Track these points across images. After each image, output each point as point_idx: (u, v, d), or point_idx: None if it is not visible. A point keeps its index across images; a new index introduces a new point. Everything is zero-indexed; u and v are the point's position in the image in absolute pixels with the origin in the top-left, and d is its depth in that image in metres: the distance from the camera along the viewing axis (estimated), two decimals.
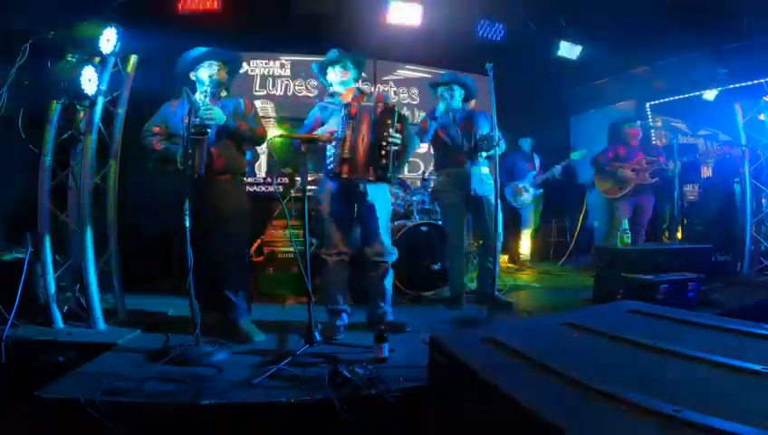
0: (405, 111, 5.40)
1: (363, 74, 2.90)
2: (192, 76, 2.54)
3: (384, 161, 2.45)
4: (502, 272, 4.37)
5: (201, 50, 2.51)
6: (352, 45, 4.66)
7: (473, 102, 3.62)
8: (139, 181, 3.20)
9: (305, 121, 2.71)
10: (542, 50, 5.04)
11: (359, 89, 2.74)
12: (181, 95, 2.20)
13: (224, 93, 2.61)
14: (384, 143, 2.45)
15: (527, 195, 5.09)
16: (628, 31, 4.52)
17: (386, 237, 2.64)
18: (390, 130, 2.45)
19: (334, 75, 2.70)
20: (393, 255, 2.68)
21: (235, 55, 2.65)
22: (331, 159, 2.54)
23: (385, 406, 1.68)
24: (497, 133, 2.84)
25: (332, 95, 2.73)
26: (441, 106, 3.16)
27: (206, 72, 2.47)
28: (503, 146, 3.10)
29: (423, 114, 4.06)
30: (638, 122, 4.52)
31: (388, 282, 2.67)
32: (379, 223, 2.61)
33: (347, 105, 2.55)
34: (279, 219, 3.78)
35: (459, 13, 4.72)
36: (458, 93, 3.26)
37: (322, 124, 2.62)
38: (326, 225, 2.60)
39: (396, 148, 2.48)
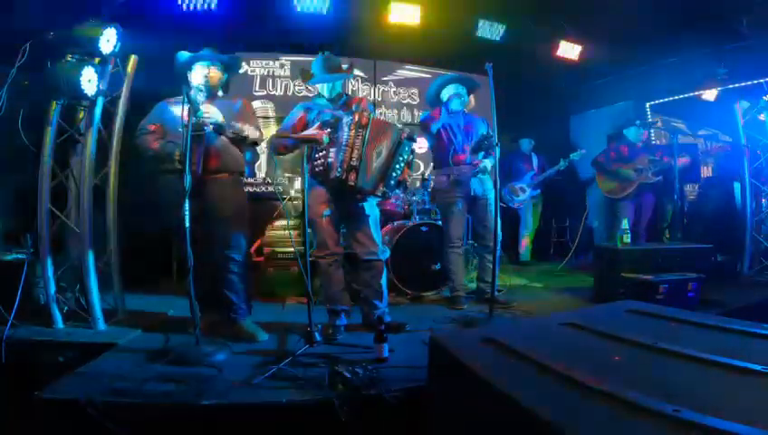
0: (404, 111, 5.42)
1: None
2: (189, 77, 2.53)
3: (392, 183, 2.51)
4: (502, 272, 4.36)
5: (187, 55, 2.50)
6: (352, 45, 4.69)
7: (472, 102, 3.62)
8: (139, 181, 3.19)
9: (285, 120, 2.69)
10: (542, 50, 5.04)
11: (346, 94, 2.75)
12: (180, 94, 2.20)
13: (220, 93, 2.61)
14: (397, 166, 2.50)
15: (524, 195, 5.09)
16: (628, 31, 4.51)
17: (377, 235, 2.64)
18: (404, 156, 2.50)
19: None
20: (385, 252, 2.69)
21: (226, 57, 2.62)
22: (330, 162, 2.42)
23: (385, 406, 1.68)
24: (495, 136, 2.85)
25: (319, 95, 2.75)
26: (455, 102, 3.18)
27: (198, 74, 2.47)
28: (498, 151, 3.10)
29: (422, 114, 4.04)
30: (639, 124, 4.50)
31: (384, 280, 2.65)
32: (370, 221, 2.61)
33: (351, 112, 2.51)
34: (279, 219, 3.79)
35: (459, 12, 4.72)
36: (466, 95, 3.30)
37: (307, 125, 2.57)
38: (316, 227, 2.58)
39: (399, 175, 2.54)
